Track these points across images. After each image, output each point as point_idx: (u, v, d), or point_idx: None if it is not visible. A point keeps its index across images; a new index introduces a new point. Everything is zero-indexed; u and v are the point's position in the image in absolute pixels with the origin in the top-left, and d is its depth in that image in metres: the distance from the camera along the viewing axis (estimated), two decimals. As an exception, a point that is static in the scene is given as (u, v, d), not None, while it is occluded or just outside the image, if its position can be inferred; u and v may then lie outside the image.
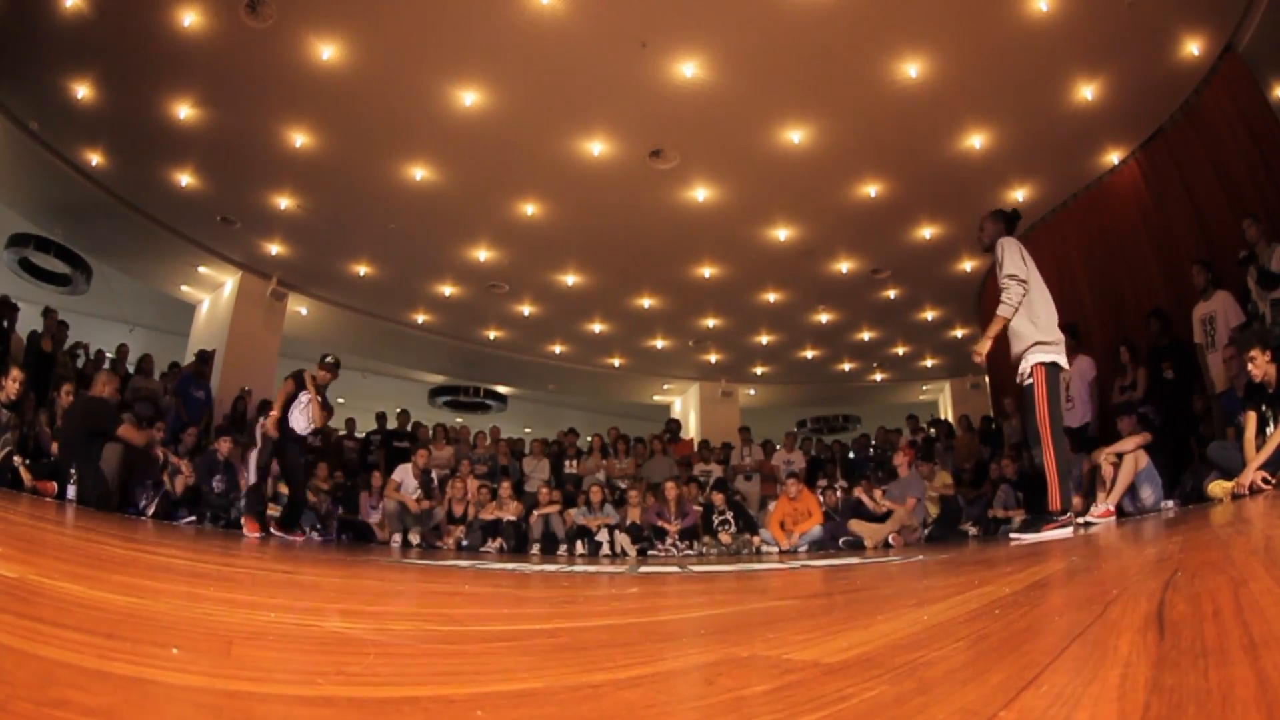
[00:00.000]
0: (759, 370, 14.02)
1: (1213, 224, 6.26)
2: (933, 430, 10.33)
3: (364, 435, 10.00)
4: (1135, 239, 7.28)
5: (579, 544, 6.90)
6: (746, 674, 0.69)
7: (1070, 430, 6.16)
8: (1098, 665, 0.60)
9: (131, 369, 8.36)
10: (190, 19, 5.62)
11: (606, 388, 15.03)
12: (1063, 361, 3.75)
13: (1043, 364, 3.67)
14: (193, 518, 5.79)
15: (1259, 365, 4.03)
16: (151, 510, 5.31)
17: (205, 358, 9.03)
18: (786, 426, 12.42)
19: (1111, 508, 4.48)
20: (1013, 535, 3.71)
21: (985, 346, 3.82)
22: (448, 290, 10.40)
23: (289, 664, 0.70)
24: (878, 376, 14.55)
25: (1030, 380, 3.69)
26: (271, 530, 5.30)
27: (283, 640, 0.83)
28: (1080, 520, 4.13)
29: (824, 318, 11.46)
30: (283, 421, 5.45)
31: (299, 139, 7.07)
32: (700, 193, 7.99)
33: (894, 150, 7.27)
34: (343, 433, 9.93)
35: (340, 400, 16.04)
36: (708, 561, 5.12)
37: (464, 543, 6.96)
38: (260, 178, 7.85)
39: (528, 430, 15.61)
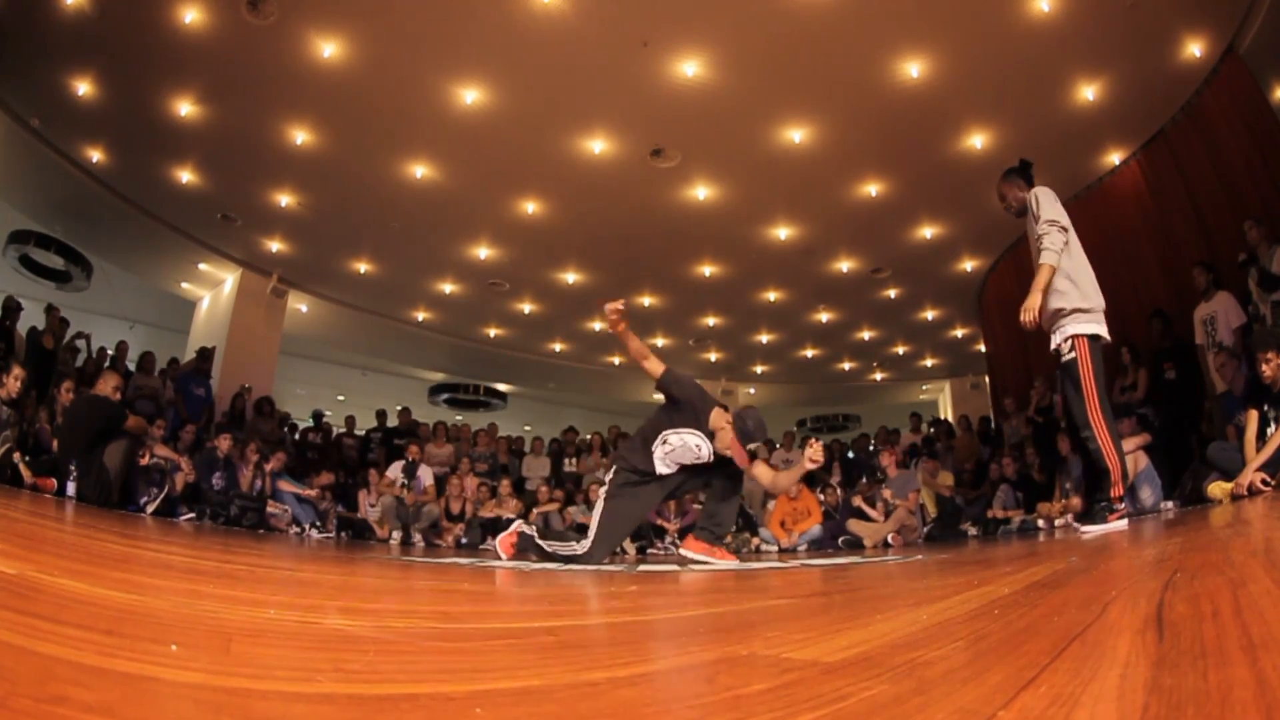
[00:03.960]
0: (759, 369, 14.02)
1: (1213, 225, 6.26)
2: (932, 430, 10.34)
3: (364, 433, 10.00)
4: (1136, 240, 7.28)
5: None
6: (745, 672, 0.69)
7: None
8: (1097, 666, 0.60)
9: (132, 366, 8.36)
10: (191, 16, 5.61)
11: (607, 386, 15.04)
12: (1104, 332, 3.31)
13: (1084, 335, 3.26)
14: (192, 514, 5.79)
15: (1272, 367, 4.00)
16: (153, 508, 5.31)
17: (206, 355, 9.04)
18: (786, 426, 12.42)
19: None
20: (1083, 529, 3.27)
21: (1035, 300, 3.23)
22: (448, 288, 10.40)
23: (288, 661, 0.70)
24: (878, 376, 14.56)
25: (1071, 355, 3.27)
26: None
27: (282, 637, 0.83)
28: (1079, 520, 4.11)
29: (824, 317, 11.46)
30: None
31: (300, 136, 7.06)
32: (701, 191, 7.98)
33: (895, 150, 7.26)
34: (342, 430, 9.94)
35: (341, 398, 16.06)
36: (707, 560, 5.10)
37: (463, 540, 6.96)
38: (261, 175, 7.85)
39: (527, 428, 15.62)
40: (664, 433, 3.33)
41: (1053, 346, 3.38)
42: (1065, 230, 3.29)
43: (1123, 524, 3.20)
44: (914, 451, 9.03)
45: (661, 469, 3.37)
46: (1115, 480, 3.20)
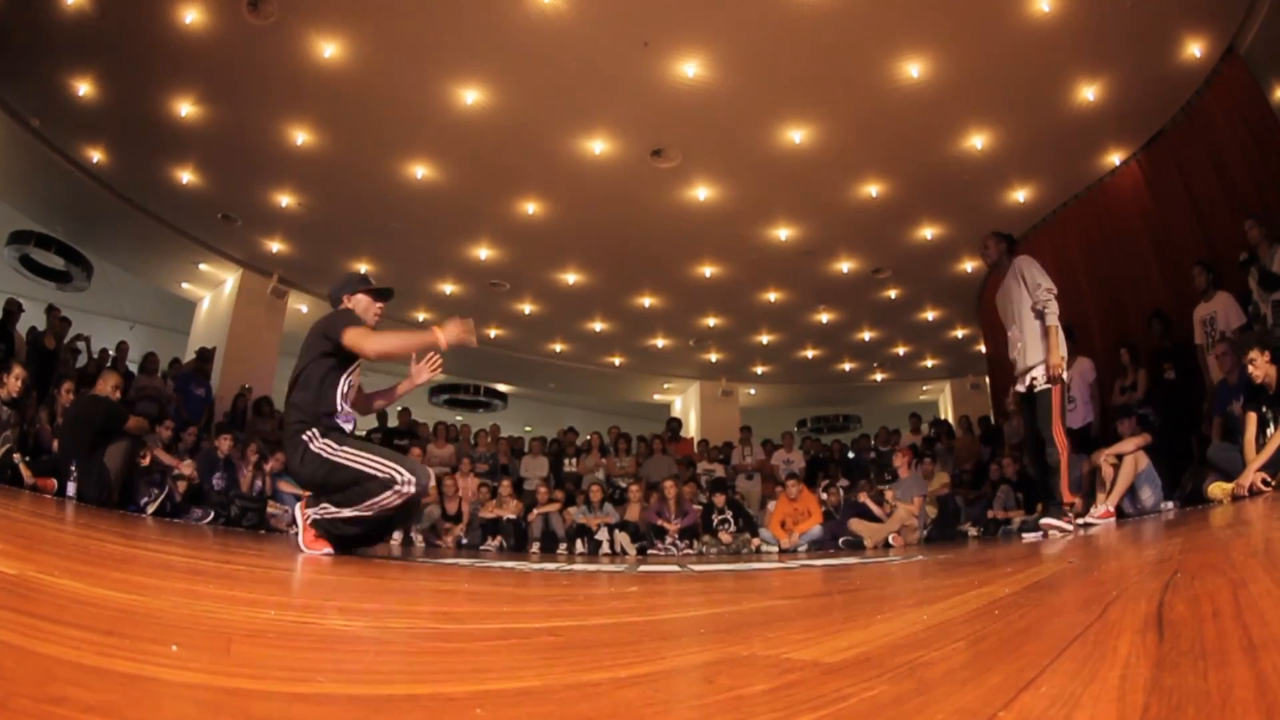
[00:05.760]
0: (759, 370, 14.01)
1: (1213, 225, 6.26)
2: (932, 430, 10.34)
3: (364, 433, 10.00)
4: (1136, 240, 7.28)
5: (578, 543, 6.90)
6: (746, 673, 0.69)
7: (1071, 431, 6.18)
8: (1097, 666, 0.60)
9: (134, 367, 8.36)
10: (192, 16, 5.62)
11: (607, 387, 15.04)
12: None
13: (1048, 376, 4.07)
14: (209, 516, 5.80)
15: (1259, 366, 4.02)
16: (153, 509, 5.31)
17: (206, 355, 9.03)
18: (786, 426, 12.42)
19: (1111, 509, 4.49)
20: (1024, 535, 4.06)
21: (1057, 358, 4.00)
22: (448, 288, 10.40)
23: (288, 661, 0.70)
24: (878, 376, 14.55)
25: (1046, 387, 4.04)
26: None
27: (282, 638, 0.83)
28: (1080, 521, 4.17)
29: (824, 318, 11.46)
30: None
31: (300, 136, 7.07)
32: (701, 192, 7.98)
33: (895, 150, 7.26)
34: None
35: (340, 398, 16.03)
36: (707, 561, 5.12)
37: (463, 541, 6.96)
38: (261, 175, 7.85)
39: (528, 429, 15.61)
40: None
41: (1025, 384, 4.14)
42: (1055, 295, 4.07)
43: (1069, 527, 3.87)
44: (914, 452, 9.03)
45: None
46: (1065, 488, 3.97)
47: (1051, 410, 4.03)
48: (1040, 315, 4.07)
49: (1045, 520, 3.97)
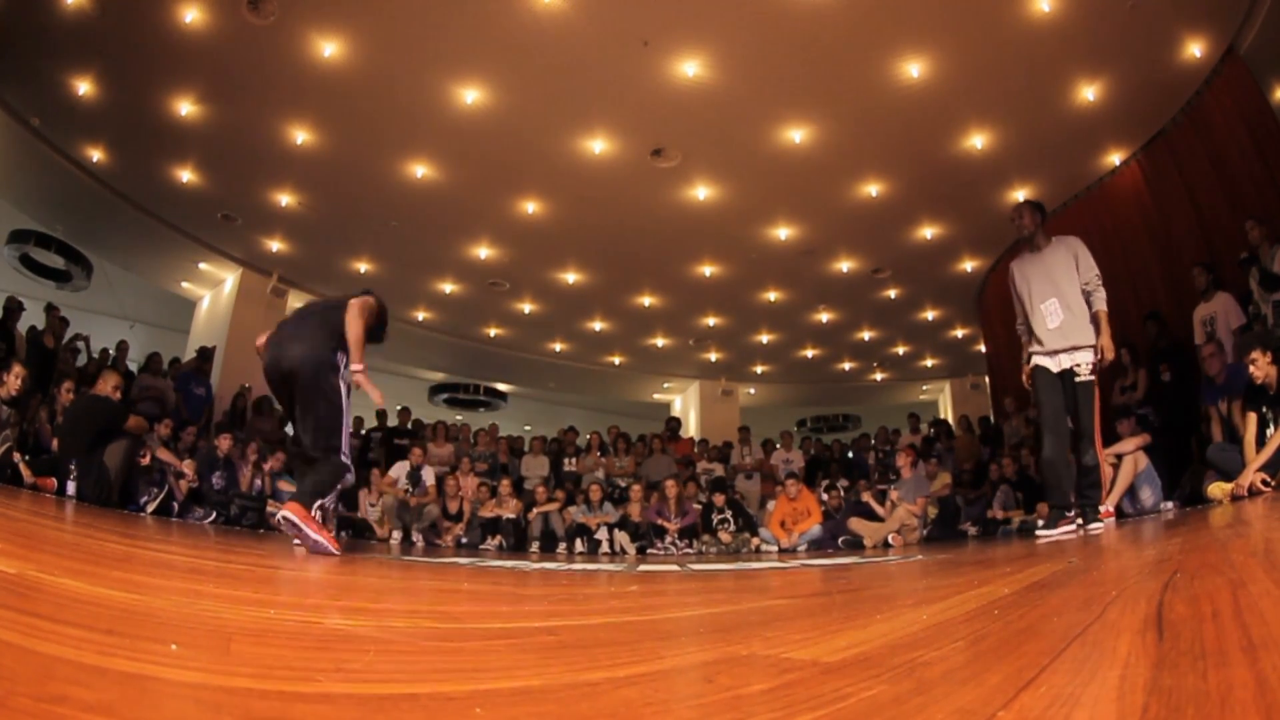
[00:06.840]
0: (759, 369, 14.02)
1: (1213, 225, 6.27)
2: (932, 430, 10.34)
3: (364, 432, 9.99)
4: (1136, 240, 7.28)
5: (578, 542, 6.90)
6: (745, 672, 0.69)
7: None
8: (1097, 666, 0.60)
9: (133, 366, 8.34)
10: (192, 15, 5.61)
11: (606, 386, 15.04)
12: None
13: (1094, 362, 3.84)
14: (213, 516, 5.79)
15: (1260, 367, 4.02)
16: (153, 508, 5.31)
17: (206, 354, 9.03)
18: (786, 426, 12.41)
19: (1110, 509, 4.48)
20: (1091, 528, 3.70)
21: (1109, 341, 3.84)
22: (448, 288, 10.40)
23: (288, 660, 0.70)
24: (878, 376, 14.56)
25: (1091, 377, 3.82)
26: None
27: (282, 637, 0.83)
28: (1078, 522, 4.16)
29: (824, 317, 11.46)
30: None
31: (300, 136, 7.06)
32: (701, 191, 7.98)
33: (895, 150, 7.26)
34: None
35: (340, 397, 16.02)
36: (707, 560, 5.12)
37: (463, 540, 6.96)
38: (261, 174, 7.85)
39: (527, 428, 15.61)
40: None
41: (1068, 365, 3.86)
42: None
43: (1107, 524, 3.77)
44: (915, 452, 9.02)
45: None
46: (1105, 485, 3.84)
47: (1094, 405, 3.80)
48: (1089, 299, 3.91)
49: (1090, 527, 3.65)
